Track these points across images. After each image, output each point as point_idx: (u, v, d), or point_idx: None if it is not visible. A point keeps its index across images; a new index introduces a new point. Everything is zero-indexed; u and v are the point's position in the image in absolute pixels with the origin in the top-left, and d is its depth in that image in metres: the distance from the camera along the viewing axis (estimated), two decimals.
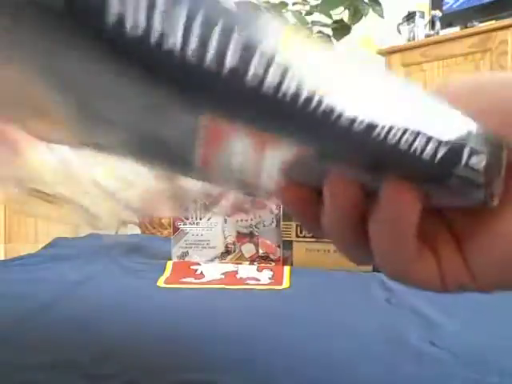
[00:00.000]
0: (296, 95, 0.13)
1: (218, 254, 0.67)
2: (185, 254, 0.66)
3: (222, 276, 0.57)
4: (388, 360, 0.30)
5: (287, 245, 0.65)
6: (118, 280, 0.49)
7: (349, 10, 1.86)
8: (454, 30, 1.79)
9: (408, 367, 0.30)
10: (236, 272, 0.58)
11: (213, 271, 0.58)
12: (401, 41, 1.91)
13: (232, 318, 0.38)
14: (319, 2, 1.89)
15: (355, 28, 1.96)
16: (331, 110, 0.14)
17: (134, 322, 0.38)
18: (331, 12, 1.89)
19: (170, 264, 0.61)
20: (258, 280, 0.55)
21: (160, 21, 0.11)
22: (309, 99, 0.13)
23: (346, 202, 0.17)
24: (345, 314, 0.40)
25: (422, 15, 1.86)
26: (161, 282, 0.53)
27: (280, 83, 0.13)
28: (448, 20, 1.84)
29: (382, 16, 1.82)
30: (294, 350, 0.32)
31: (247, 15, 0.12)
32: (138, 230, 1.31)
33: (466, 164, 0.16)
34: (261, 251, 0.67)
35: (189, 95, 0.12)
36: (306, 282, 0.53)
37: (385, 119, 0.15)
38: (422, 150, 0.16)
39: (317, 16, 1.92)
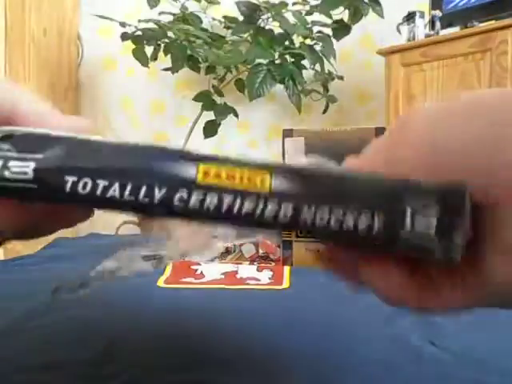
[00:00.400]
0: (218, 206, 0.16)
1: (218, 254, 0.67)
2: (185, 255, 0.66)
3: (222, 276, 0.57)
4: (388, 360, 0.30)
5: (287, 245, 0.65)
6: (118, 280, 0.49)
7: (349, 10, 1.86)
8: (454, 30, 1.79)
9: (408, 367, 0.30)
10: (236, 272, 0.58)
11: (213, 271, 0.58)
12: (401, 41, 1.91)
13: (232, 318, 0.38)
14: (319, 2, 1.89)
15: (355, 28, 1.96)
16: (253, 210, 0.16)
17: (134, 321, 0.38)
18: (331, 12, 1.89)
19: (169, 264, 0.61)
20: (258, 280, 0.55)
21: (103, 186, 0.16)
22: (230, 207, 0.16)
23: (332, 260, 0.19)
24: (345, 314, 0.40)
25: (422, 15, 1.86)
26: (161, 282, 0.53)
27: (203, 201, 0.16)
28: (448, 20, 1.84)
29: (381, 16, 1.82)
30: (293, 349, 0.32)
31: (168, 164, 0.16)
32: (137, 230, 1.30)
33: (412, 228, 0.15)
34: (261, 251, 0.67)
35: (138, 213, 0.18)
36: (305, 282, 0.53)
37: (310, 205, 0.16)
38: (355, 226, 0.16)
39: (317, 16, 1.92)
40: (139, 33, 1.91)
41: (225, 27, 2.06)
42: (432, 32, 1.85)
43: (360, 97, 2.31)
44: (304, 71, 1.92)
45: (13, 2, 1.86)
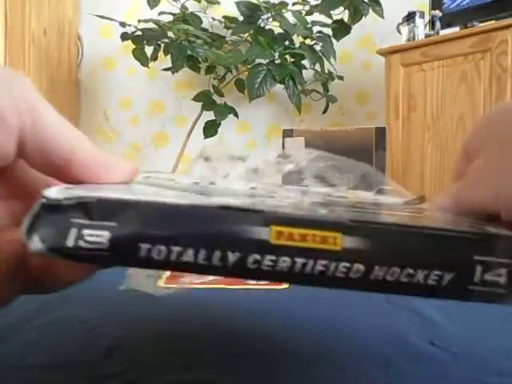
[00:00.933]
0: (291, 266, 0.16)
1: None
2: None
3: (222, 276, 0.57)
4: (388, 360, 0.30)
5: None
6: (118, 280, 0.49)
7: (349, 10, 1.87)
8: (454, 30, 1.79)
9: (408, 367, 0.30)
10: None
11: None
12: (401, 41, 1.91)
13: (232, 318, 0.38)
14: (319, 2, 1.89)
15: (355, 28, 1.96)
16: (325, 269, 0.16)
17: (133, 321, 0.38)
18: (331, 12, 1.90)
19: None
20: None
21: (176, 253, 0.16)
22: (303, 267, 0.16)
23: None
24: (345, 314, 0.40)
25: (422, 15, 1.87)
26: (161, 282, 0.53)
27: (276, 262, 0.16)
28: (448, 20, 1.84)
29: (381, 16, 1.82)
30: (293, 349, 0.32)
31: (238, 227, 0.16)
32: None
33: (482, 280, 0.16)
34: None
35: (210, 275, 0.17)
36: None
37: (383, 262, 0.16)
38: (426, 279, 0.16)
39: (317, 16, 1.92)
40: (139, 33, 1.91)
41: (225, 27, 2.06)
42: (432, 32, 1.85)
43: (360, 97, 2.31)
44: (304, 71, 1.93)
45: (13, 2, 1.86)
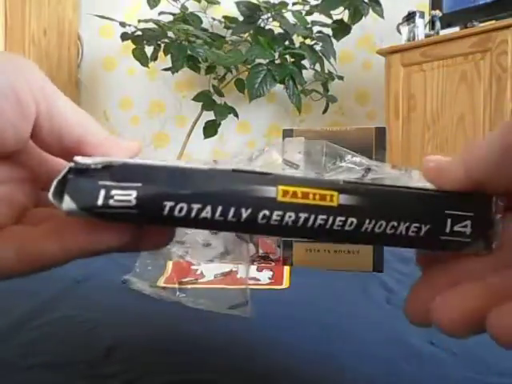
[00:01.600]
0: (295, 221, 0.18)
1: (218, 254, 0.67)
2: (185, 254, 0.66)
3: (222, 276, 0.57)
4: (388, 360, 0.30)
5: (287, 245, 0.65)
6: (118, 279, 0.49)
7: (349, 10, 1.87)
8: (454, 30, 1.79)
9: (408, 367, 0.30)
10: (236, 272, 0.58)
11: (213, 271, 0.58)
12: (401, 41, 1.91)
13: (232, 318, 0.38)
14: (319, 2, 1.89)
15: (355, 28, 1.96)
16: (324, 222, 0.18)
17: (133, 321, 0.38)
18: (331, 12, 1.90)
19: (170, 264, 0.61)
20: (258, 280, 0.55)
21: (196, 209, 0.18)
22: (306, 221, 0.19)
23: None
24: (345, 314, 0.40)
25: (422, 15, 1.86)
26: (161, 282, 0.53)
27: (282, 217, 0.18)
28: (448, 20, 1.84)
29: (381, 16, 1.82)
30: (293, 349, 0.32)
31: (249, 188, 0.18)
32: None
33: (451, 231, 0.19)
34: (261, 251, 0.67)
35: (226, 231, 0.20)
36: (305, 282, 0.53)
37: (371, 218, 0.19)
38: (407, 231, 0.19)
39: (317, 16, 1.92)
40: (139, 33, 1.91)
41: (225, 27, 2.06)
42: (432, 32, 1.85)
43: (360, 97, 2.31)
44: (304, 71, 1.92)
45: (13, 2, 1.86)
